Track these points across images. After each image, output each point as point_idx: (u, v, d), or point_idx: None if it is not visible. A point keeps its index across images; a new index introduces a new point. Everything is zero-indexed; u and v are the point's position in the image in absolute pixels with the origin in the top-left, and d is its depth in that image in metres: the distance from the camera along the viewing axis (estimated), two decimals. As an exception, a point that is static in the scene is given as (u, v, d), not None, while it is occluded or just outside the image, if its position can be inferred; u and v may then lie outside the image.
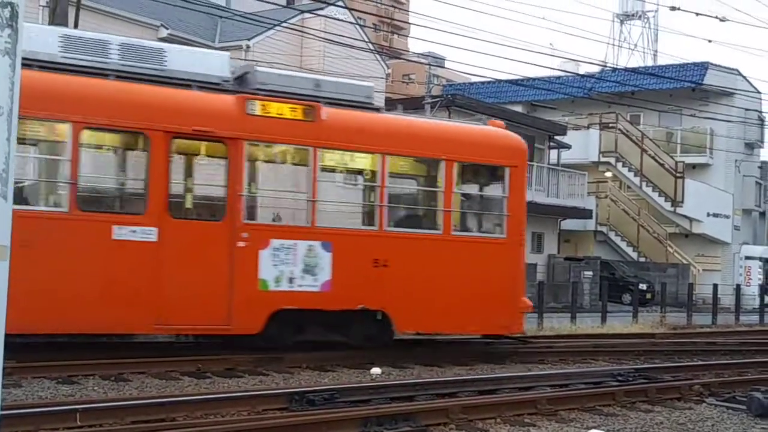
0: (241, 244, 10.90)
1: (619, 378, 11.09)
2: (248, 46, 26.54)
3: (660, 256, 34.15)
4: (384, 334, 12.23)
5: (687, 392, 10.66)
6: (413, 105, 29.93)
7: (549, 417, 8.71)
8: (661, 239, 34.58)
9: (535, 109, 37.45)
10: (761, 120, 35.97)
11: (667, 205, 34.35)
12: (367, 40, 28.53)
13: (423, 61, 41.48)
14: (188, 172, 12.00)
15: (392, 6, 59.66)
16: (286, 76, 12.32)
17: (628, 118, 35.64)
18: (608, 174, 36.14)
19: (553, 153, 37.20)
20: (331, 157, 12.10)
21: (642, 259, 34.49)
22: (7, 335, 2.90)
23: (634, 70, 34.78)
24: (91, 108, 10.10)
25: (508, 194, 12.61)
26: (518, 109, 36.94)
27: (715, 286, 25.46)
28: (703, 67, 34.35)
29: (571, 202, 33.23)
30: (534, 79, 32.48)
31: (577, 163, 35.54)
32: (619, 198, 35.87)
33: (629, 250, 35.03)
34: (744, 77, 35.59)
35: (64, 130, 10.04)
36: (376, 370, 11.13)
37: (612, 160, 35.40)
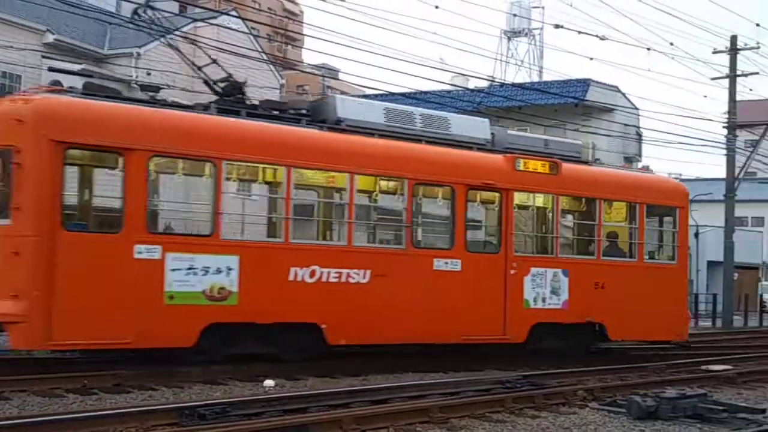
0: (512, 271, 13.91)
1: (507, 385, 11.39)
2: (139, 54, 25.90)
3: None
4: (589, 344, 15.73)
5: (572, 397, 11.05)
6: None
7: (441, 425, 8.86)
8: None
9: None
10: (639, 135, 37.73)
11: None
12: (260, 50, 28.33)
13: (317, 72, 41.55)
14: (475, 217, 14.73)
15: (286, 17, 59.51)
16: (524, 137, 15.73)
17: (516, 132, 36.75)
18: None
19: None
20: (566, 202, 15.30)
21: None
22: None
23: (521, 86, 35.91)
24: (421, 168, 13.24)
25: (679, 229, 16.25)
26: (411, 121, 37.44)
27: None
28: (586, 83, 35.80)
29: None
30: (426, 93, 33.00)
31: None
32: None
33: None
34: (623, 94, 37.28)
35: (402, 185, 13.13)
36: (269, 383, 11.06)
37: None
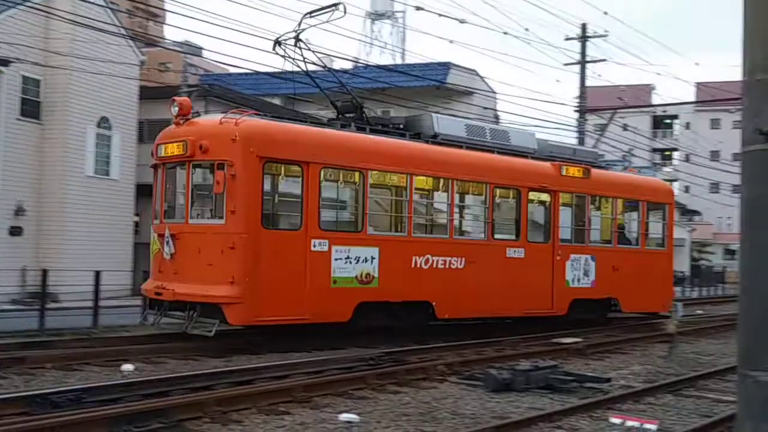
0: (557, 257, 17.16)
1: (371, 362, 11.59)
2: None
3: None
4: (607, 314, 19.17)
5: (432, 372, 11.39)
6: (168, 94, 29.06)
7: (304, 404, 8.92)
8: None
9: (292, 102, 37.81)
10: (497, 118, 38.97)
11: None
12: (119, 24, 27.16)
13: (179, 49, 40.31)
14: (532, 213, 17.30)
15: (146, -10, 57.18)
16: (558, 146, 18.64)
17: (380, 113, 37.13)
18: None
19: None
20: (596, 202, 18.68)
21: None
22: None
23: (384, 68, 36.24)
24: (497, 174, 16.26)
25: (667, 221, 20.23)
26: (277, 101, 37.10)
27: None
28: (446, 67, 36.57)
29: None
30: (291, 73, 32.73)
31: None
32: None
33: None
34: (482, 78, 38.39)
35: (485, 188, 16.14)
36: (127, 367, 10.75)
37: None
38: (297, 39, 15.04)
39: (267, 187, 13.18)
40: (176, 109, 13.27)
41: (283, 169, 13.52)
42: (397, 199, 15.16)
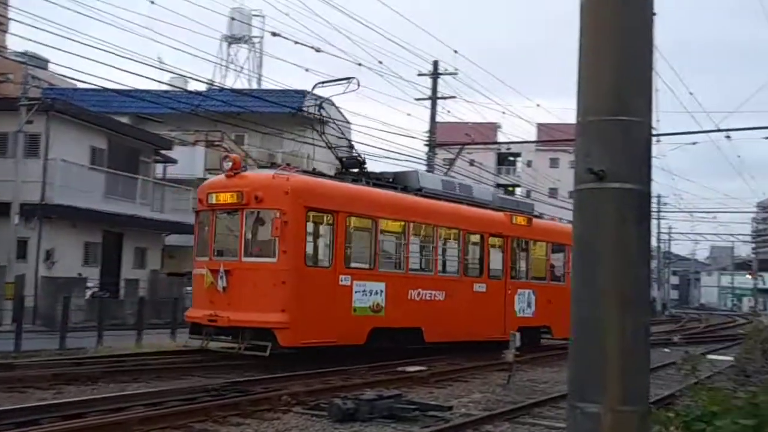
0: (509, 291, 20.52)
1: (213, 392, 11.25)
2: None
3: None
4: (539, 339, 22.38)
5: (277, 402, 11.18)
6: (7, 106, 27.40)
7: (139, 438, 8.51)
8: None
9: (142, 121, 36.65)
10: (351, 147, 39.33)
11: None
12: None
13: (21, 60, 38.14)
14: (491, 254, 20.38)
15: (-14, -3, 53.93)
16: (506, 199, 23.81)
17: (233, 138, 36.67)
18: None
19: (159, 167, 36.73)
20: (534, 246, 22.20)
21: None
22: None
23: (239, 92, 35.82)
24: (467, 222, 19.55)
25: (567, 260, 22.03)
26: (125, 120, 35.86)
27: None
28: (302, 94, 36.62)
29: (176, 217, 33.06)
30: (142, 91, 31.75)
31: (183, 179, 35.52)
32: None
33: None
34: (336, 107, 38.71)
35: (459, 234, 19.50)
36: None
37: (217, 178, 35.92)
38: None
39: (309, 231, 15.78)
40: (229, 164, 15.70)
41: (319, 216, 16.12)
42: (398, 242, 18.01)
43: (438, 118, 32.53)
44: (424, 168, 31.50)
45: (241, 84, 49.87)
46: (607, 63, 3.79)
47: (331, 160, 38.26)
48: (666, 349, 21.55)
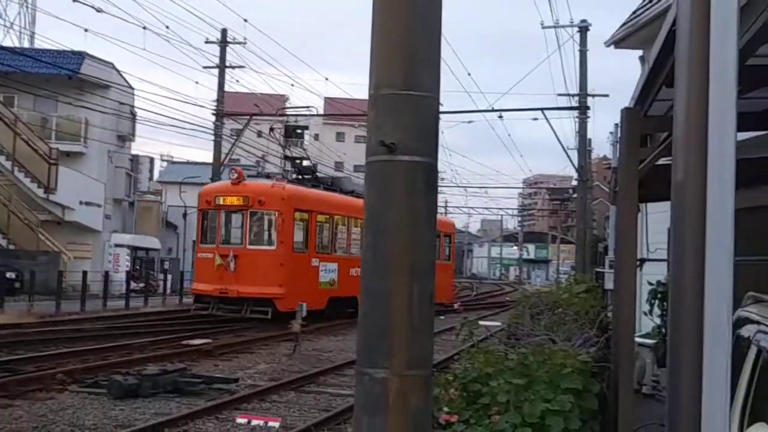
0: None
1: (-23, 374, 10.41)
2: None
3: (31, 243, 33.08)
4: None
5: (50, 382, 10.55)
6: None
7: None
8: (33, 226, 33.56)
9: None
10: (133, 114, 37.61)
11: (40, 192, 33.47)
12: None
13: None
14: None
15: None
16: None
17: (2, 100, 33.76)
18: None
19: None
20: None
21: (12, 247, 32.96)
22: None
23: (9, 50, 32.93)
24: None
25: (451, 245, 32.39)
26: None
27: (85, 273, 25.78)
28: (81, 56, 34.39)
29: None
30: None
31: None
32: (-12, 183, 33.66)
33: (-2, 238, 33.19)
34: (119, 72, 36.79)
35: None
36: None
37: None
38: None
39: (295, 226, 21.37)
40: (235, 175, 21.60)
41: (302, 215, 21.64)
42: (344, 233, 23.95)
43: (227, 88, 31.91)
44: (211, 139, 30.84)
45: (11, 42, 45.88)
46: (399, 39, 3.88)
47: (111, 126, 36.45)
48: (441, 317, 22.74)
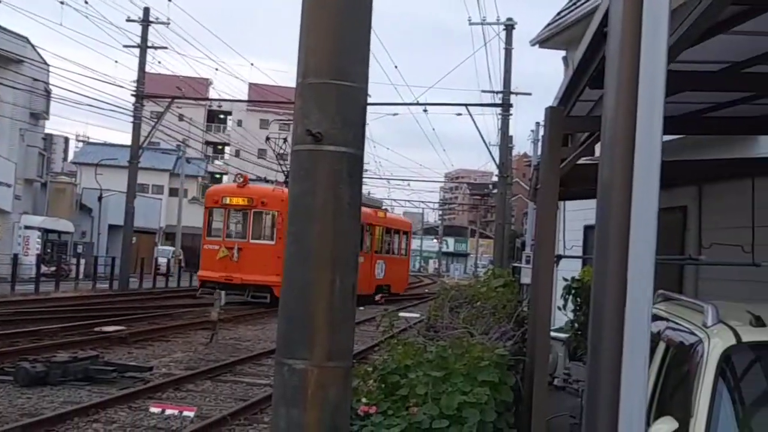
0: (373, 262, 30.80)
1: None
2: None
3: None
4: (383, 294, 29.98)
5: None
6: None
7: None
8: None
9: None
10: (48, 92, 36.33)
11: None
12: None
13: None
14: (365, 237, 30.69)
15: None
16: (369, 198, 37.66)
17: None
18: None
19: None
20: (386, 231, 33.26)
21: None
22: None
23: None
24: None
25: (407, 241, 37.44)
26: None
27: (-7, 255, 24.84)
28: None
29: None
30: None
31: None
32: None
33: None
34: (33, 46, 35.47)
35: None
36: None
37: None
38: None
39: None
40: (241, 179, 25.20)
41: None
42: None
43: (148, 69, 31.10)
44: (130, 120, 30.06)
45: None
46: (328, 28, 3.85)
47: (24, 104, 35.12)
48: (361, 308, 22.86)
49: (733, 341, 3.24)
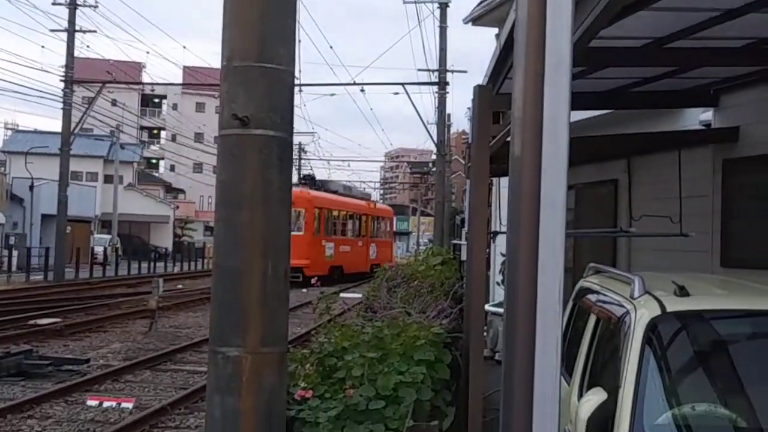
0: (369, 245, 41.23)
1: None
2: None
3: None
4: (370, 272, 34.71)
5: None
6: None
7: None
8: None
9: None
10: None
11: None
12: None
13: None
14: (362, 224, 41.73)
15: None
16: (362, 192, 50.68)
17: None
18: None
19: None
20: (375, 219, 43.01)
21: None
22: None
23: None
24: (359, 208, 40.33)
25: (390, 225, 46.88)
26: None
27: None
28: None
29: None
30: None
31: None
32: None
33: None
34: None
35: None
36: None
37: None
38: None
39: (315, 218, 32.33)
40: None
41: (318, 211, 32.68)
42: (338, 221, 36.04)
43: (77, 54, 30.25)
44: (60, 107, 29.25)
45: None
46: (252, 9, 3.78)
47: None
48: (304, 290, 22.74)
49: (658, 311, 3.31)
